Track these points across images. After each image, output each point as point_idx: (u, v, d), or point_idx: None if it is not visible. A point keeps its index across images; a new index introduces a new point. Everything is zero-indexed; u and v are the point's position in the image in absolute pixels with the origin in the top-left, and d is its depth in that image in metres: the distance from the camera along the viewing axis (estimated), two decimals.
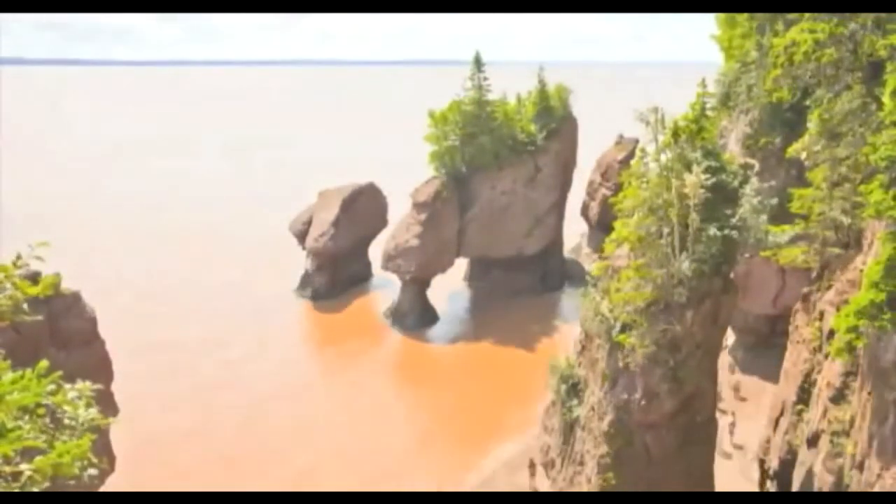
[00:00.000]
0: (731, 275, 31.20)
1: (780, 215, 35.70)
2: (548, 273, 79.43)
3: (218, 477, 42.35)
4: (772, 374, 43.11)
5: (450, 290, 76.35)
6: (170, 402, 51.11)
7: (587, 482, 31.63)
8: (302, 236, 79.74)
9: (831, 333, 27.48)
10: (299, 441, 47.41)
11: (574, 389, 34.76)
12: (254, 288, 77.35)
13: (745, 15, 52.69)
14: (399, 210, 76.35)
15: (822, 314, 31.98)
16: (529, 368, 55.17)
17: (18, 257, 9.82)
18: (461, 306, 75.10)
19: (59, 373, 9.33)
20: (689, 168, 29.74)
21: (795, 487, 31.04)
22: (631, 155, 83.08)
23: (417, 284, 69.62)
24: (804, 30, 29.80)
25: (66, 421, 9.46)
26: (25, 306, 9.96)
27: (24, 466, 8.57)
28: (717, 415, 33.56)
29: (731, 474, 39.65)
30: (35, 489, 8.50)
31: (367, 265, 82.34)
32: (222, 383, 55.06)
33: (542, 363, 42.40)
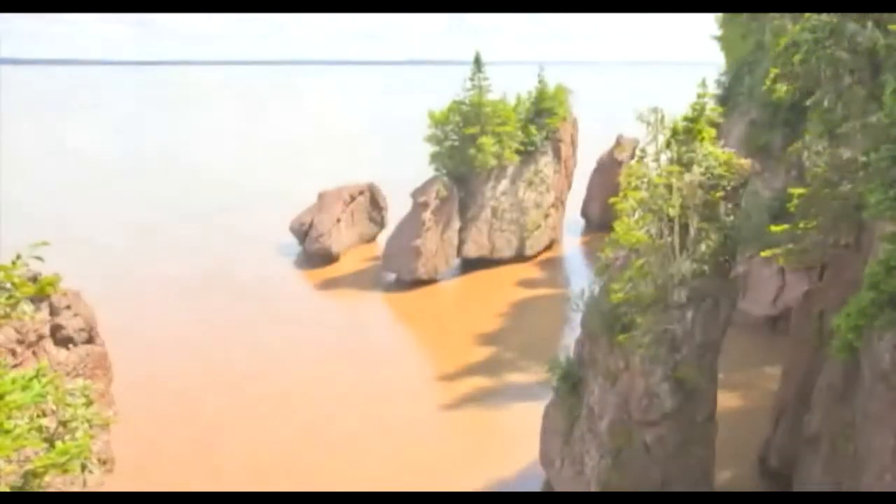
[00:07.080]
0: (732, 275, 31.22)
1: (780, 215, 35.68)
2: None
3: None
4: (771, 374, 43.08)
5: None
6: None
7: (587, 482, 31.63)
8: (302, 236, 79.83)
9: (831, 333, 27.48)
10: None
11: (574, 389, 34.72)
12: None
13: (746, 14, 52.73)
14: (399, 210, 76.29)
15: (822, 314, 31.99)
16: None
17: (18, 257, 9.84)
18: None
19: (60, 373, 9.34)
20: (689, 168, 29.74)
21: (795, 487, 31.06)
22: (631, 155, 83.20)
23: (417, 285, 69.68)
24: (805, 29, 29.77)
25: (66, 420, 9.49)
26: (25, 306, 9.99)
27: (24, 466, 8.58)
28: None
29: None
30: (35, 489, 8.50)
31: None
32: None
33: None
